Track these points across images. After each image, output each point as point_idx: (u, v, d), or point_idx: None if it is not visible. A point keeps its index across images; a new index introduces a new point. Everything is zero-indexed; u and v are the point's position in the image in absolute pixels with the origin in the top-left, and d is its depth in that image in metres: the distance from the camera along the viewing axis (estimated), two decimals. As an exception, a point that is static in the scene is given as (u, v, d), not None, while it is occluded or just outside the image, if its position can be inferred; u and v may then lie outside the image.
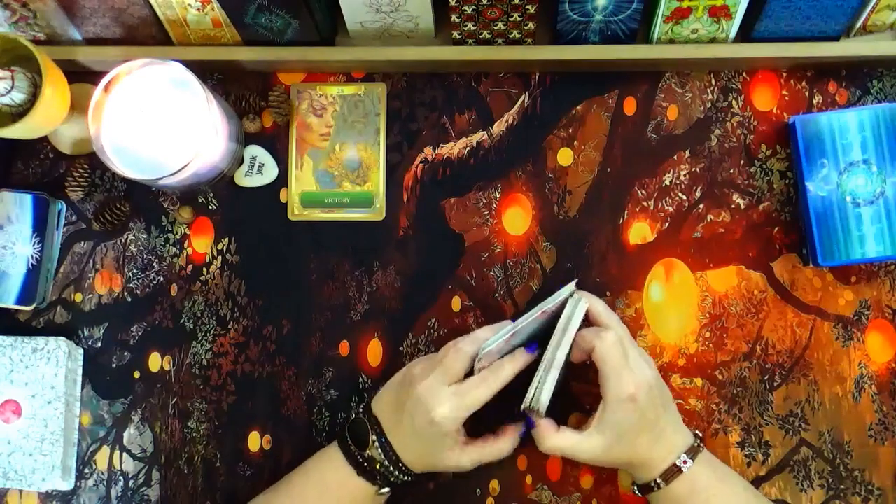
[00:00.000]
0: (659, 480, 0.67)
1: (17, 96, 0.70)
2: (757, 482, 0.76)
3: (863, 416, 0.76)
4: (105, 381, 0.80)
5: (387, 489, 0.69)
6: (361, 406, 0.77)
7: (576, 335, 0.67)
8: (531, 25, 0.74)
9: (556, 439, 0.68)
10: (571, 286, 0.69)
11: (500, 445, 0.70)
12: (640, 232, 0.79)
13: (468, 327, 0.78)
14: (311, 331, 0.79)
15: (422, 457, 0.68)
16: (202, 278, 0.80)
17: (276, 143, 0.81)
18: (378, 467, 0.68)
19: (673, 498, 0.67)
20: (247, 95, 0.81)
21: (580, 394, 0.76)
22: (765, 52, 0.76)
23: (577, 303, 0.68)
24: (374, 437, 0.68)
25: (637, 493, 0.70)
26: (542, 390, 0.67)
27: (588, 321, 0.69)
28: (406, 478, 0.69)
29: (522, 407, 0.68)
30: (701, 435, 0.70)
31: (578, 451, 0.67)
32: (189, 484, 0.79)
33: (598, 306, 0.70)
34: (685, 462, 0.66)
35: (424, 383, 0.66)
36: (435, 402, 0.65)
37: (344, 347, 0.79)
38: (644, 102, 0.80)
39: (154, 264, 0.81)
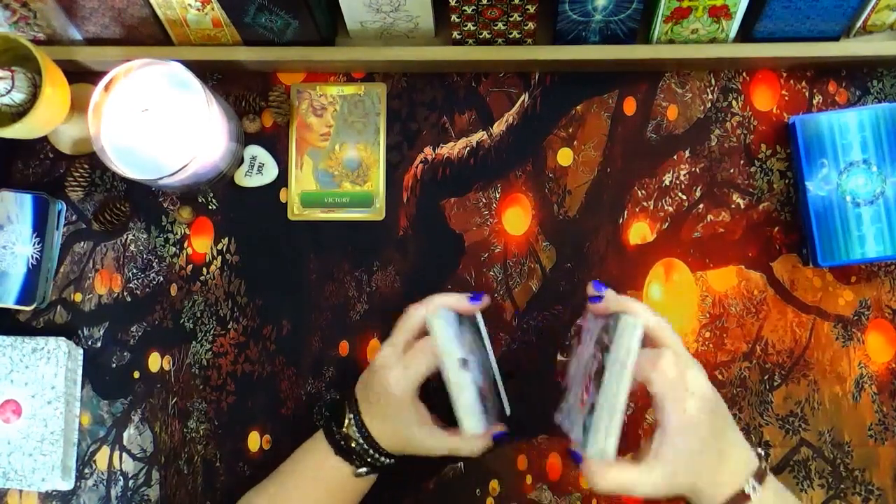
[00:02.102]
0: None
1: (17, 96, 0.70)
2: (757, 482, 0.76)
3: (863, 416, 0.77)
4: (105, 381, 0.80)
5: (364, 469, 0.68)
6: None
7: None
8: (531, 25, 0.74)
9: (614, 476, 0.60)
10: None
11: (472, 443, 0.67)
12: (639, 232, 0.79)
13: (468, 327, 0.78)
14: (311, 331, 0.79)
15: (393, 434, 0.67)
16: (202, 278, 0.80)
17: (276, 143, 0.81)
18: (354, 446, 0.67)
19: None
20: (247, 95, 0.81)
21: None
22: (765, 52, 0.76)
23: (632, 330, 0.60)
24: (351, 416, 0.67)
25: None
26: (610, 437, 0.60)
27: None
28: (384, 459, 0.68)
29: (583, 452, 0.62)
30: (763, 454, 0.64)
31: (639, 486, 0.60)
32: (189, 484, 0.79)
33: (651, 321, 0.62)
34: (754, 489, 0.60)
35: (380, 353, 0.67)
36: (385, 370, 0.66)
37: (344, 347, 0.79)
38: (644, 102, 0.80)
39: (154, 264, 0.81)
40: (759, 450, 0.64)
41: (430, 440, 0.67)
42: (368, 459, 0.67)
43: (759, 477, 0.61)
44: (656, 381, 0.60)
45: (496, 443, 0.68)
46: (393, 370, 0.65)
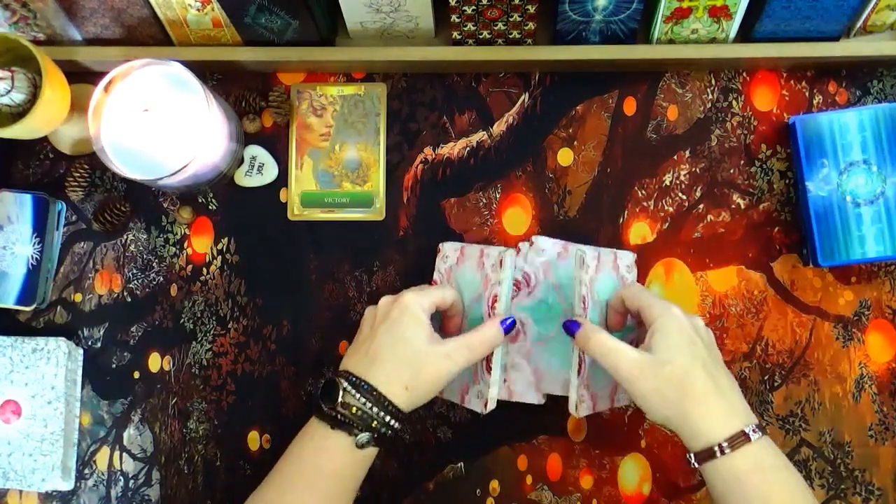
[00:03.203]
0: (724, 444, 0.59)
1: (17, 96, 0.70)
2: (757, 482, 0.76)
3: (863, 417, 0.76)
4: (105, 381, 0.80)
5: (365, 436, 0.62)
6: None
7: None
8: (531, 25, 0.74)
9: (604, 340, 0.63)
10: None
11: (486, 331, 0.66)
12: (640, 232, 0.79)
13: (468, 327, 0.78)
14: (311, 331, 0.79)
15: (410, 378, 0.63)
16: (202, 278, 0.80)
17: (276, 143, 0.81)
18: (354, 411, 0.62)
19: (733, 473, 0.59)
20: (247, 95, 0.81)
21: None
22: (765, 52, 0.76)
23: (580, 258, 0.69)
24: (346, 385, 0.63)
25: (693, 463, 0.61)
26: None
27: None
28: (391, 420, 0.63)
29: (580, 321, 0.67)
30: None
31: (622, 358, 0.62)
32: (189, 484, 0.79)
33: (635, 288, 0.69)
34: (755, 431, 0.59)
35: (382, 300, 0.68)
36: (400, 295, 0.66)
37: (344, 347, 0.79)
38: (644, 102, 0.80)
39: (154, 264, 0.81)
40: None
41: (448, 350, 0.64)
42: (373, 423, 0.62)
43: (762, 429, 0.60)
44: (644, 293, 0.66)
45: (506, 332, 0.68)
46: (408, 292, 0.66)
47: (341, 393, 0.63)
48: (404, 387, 0.63)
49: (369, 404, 0.62)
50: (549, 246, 0.74)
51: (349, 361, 0.66)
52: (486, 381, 0.69)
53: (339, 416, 0.62)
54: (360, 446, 0.62)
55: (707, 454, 0.60)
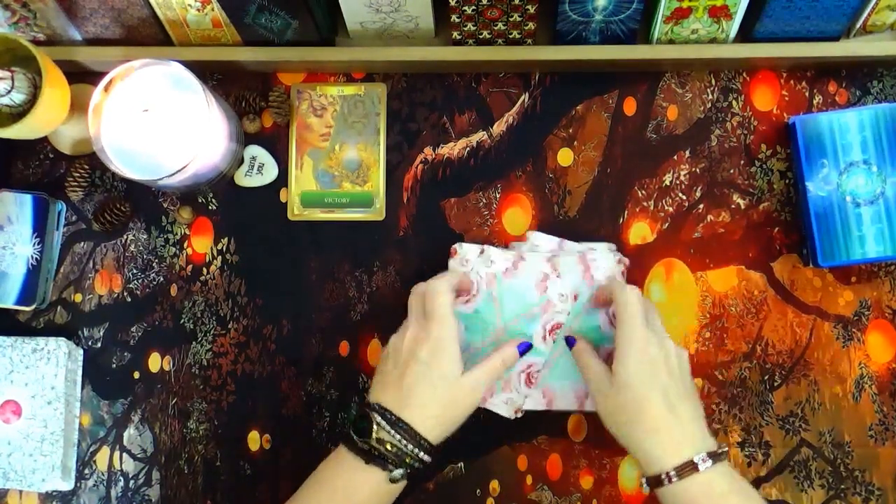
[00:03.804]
0: (672, 473, 0.61)
1: (17, 96, 0.70)
2: (757, 482, 0.76)
3: (863, 417, 0.76)
4: (105, 382, 0.80)
5: (399, 472, 0.63)
6: (357, 405, 0.77)
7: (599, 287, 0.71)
8: (531, 25, 0.74)
9: (588, 359, 0.68)
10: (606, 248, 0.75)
11: (506, 356, 0.69)
12: (640, 232, 0.79)
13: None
14: (311, 331, 0.79)
15: (442, 412, 0.65)
16: (202, 278, 0.80)
17: (276, 143, 0.81)
18: (389, 448, 0.63)
19: (683, 499, 0.61)
20: (247, 95, 0.81)
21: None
22: (765, 52, 0.76)
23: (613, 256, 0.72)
24: (380, 420, 0.63)
25: (646, 488, 0.64)
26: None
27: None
28: (424, 454, 0.64)
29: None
30: (727, 450, 0.64)
31: (590, 376, 0.67)
32: (189, 484, 0.79)
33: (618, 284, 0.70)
34: (704, 461, 0.61)
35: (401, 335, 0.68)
36: (430, 324, 0.66)
37: (344, 347, 0.79)
38: (644, 102, 0.80)
39: (154, 264, 0.81)
40: (724, 446, 0.64)
41: (474, 378, 0.66)
42: (407, 459, 0.63)
43: (715, 458, 0.61)
44: (619, 296, 0.66)
45: (521, 355, 0.71)
46: (436, 322, 0.66)
47: (375, 428, 0.63)
48: (437, 421, 0.65)
49: (404, 441, 0.63)
50: (544, 242, 0.75)
51: (382, 395, 0.65)
52: (520, 391, 0.73)
53: (373, 450, 0.63)
54: (394, 481, 0.64)
55: (656, 481, 0.62)
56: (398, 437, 0.63)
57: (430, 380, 0.64)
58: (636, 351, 0.64)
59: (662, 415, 0.63)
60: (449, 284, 0.68)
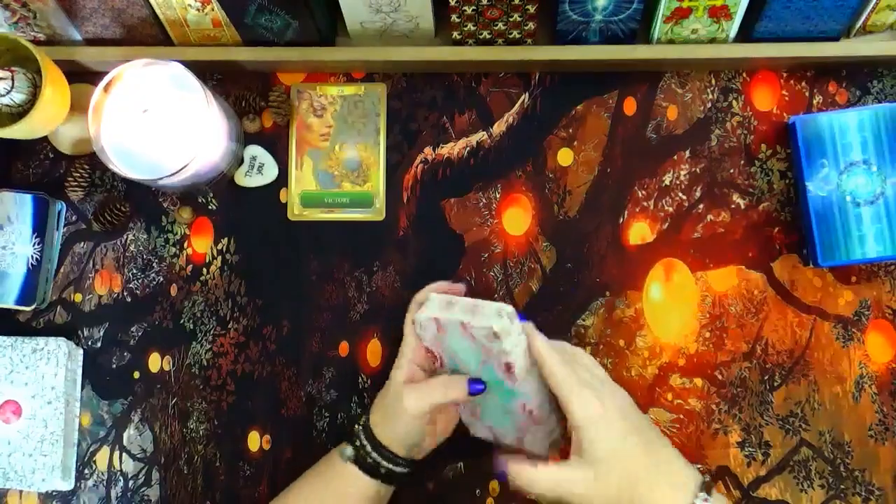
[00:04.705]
0: None
1: (17, 96, 0.70)
2: (757, 482, 0.76)
3: (863, 417, 0.76)
4: (105, 382, 0.80)
5: (349, 450, 0.67)
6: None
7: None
8: (531, 25, 0.74)
9: (547, 475, 0.61)
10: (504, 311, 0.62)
11: (450, 382, 0.65)
12: (639, 232, 0.79)
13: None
14: (311, 331, 0.79)
15: (392, 428, 0.66)
16: (202, 278, 0.80)
17: (276, 143, 0.81)
18: (368, 460, 0.66)
19: None
20: (247, 95, 0.81)
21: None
22: (765, 52, 0.76)
23: (514, 338, 0.62)
24: (359, 429, 0.68)
25: None
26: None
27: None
28: (396, 468, 0.67)
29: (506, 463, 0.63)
30: (708, 477, 0.63)
31: (565, 486, 0.60)
32: (189, 484, 0.79)
33: (537, 342, 0.62)
34: (706, 500, 0.59)
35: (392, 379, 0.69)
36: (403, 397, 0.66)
37: (344, 348, 0.79)
38: (644, 102, 0.80)
39: (154, 264, 0.81)
40: (700, 467, 0.63)
41: (412, 398, 0.65)
42: (382, 470, 0.66)
43: (708, 488, 0.60)
44: (560, 383, 0.61)
45: (471, 394, 0.65)
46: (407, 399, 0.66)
47: (355, 441, 0.68)
48: (394, 435, 0.67)
49: (376, 455, 0.67)
50: (434, 308, 0.66)
51: (372, 409, 0.69)
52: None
53: (363, 461, 0.67)
54: (344, 458, 0.67)
55: None
56: (371, 449, 0.67)
57: (386, 389, 0.68)
58: (602, 429, 0.60)
59: (652, 478, 0.60)
60: (407, 372, 0.68)
